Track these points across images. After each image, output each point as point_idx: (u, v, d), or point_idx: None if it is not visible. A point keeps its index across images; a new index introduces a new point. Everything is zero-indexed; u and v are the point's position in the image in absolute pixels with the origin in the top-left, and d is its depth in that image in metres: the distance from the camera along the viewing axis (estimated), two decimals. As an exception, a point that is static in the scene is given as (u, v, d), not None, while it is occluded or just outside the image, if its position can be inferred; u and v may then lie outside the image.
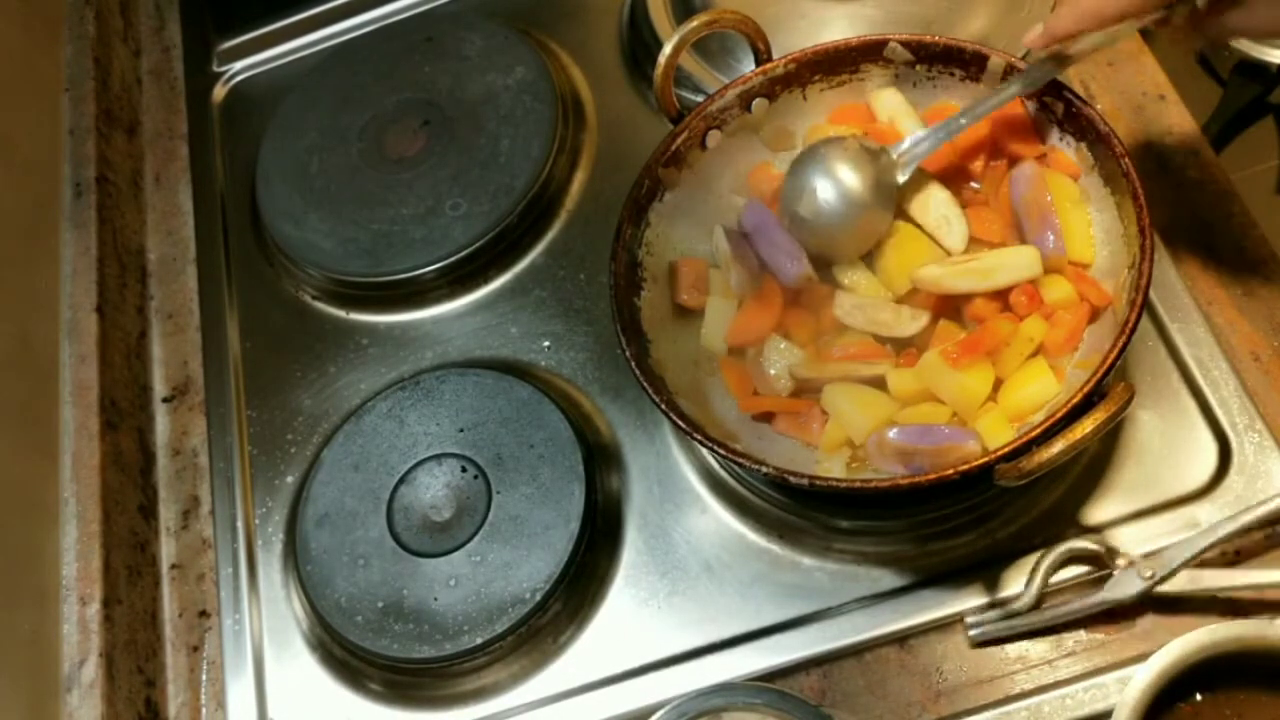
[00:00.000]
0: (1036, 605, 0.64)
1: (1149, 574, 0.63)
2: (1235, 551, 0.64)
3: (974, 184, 0.72)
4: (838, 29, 0.83)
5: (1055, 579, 0.65)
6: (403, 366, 0.84)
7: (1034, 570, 0.64)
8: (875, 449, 0.66)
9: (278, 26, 1.04)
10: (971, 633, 0.64)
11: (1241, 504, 0.65)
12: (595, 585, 0.72)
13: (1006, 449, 0.58)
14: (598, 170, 0.89)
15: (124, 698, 0.75)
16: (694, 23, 0.72)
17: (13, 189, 0.90)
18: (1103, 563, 0.64)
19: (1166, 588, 0.63)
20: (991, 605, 0.65)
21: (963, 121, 0.69)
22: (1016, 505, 0.68)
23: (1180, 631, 0.56)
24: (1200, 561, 0.63)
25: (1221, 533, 0.63)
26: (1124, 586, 0.63)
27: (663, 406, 0.65)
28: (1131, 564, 0.63)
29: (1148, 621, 0.64)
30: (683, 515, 0.73)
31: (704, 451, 0.74)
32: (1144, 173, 0.63)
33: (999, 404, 0.65)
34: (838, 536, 0.70)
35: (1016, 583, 0.66)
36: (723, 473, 0.73)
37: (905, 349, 0.68)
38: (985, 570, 0.65)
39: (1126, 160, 0.64)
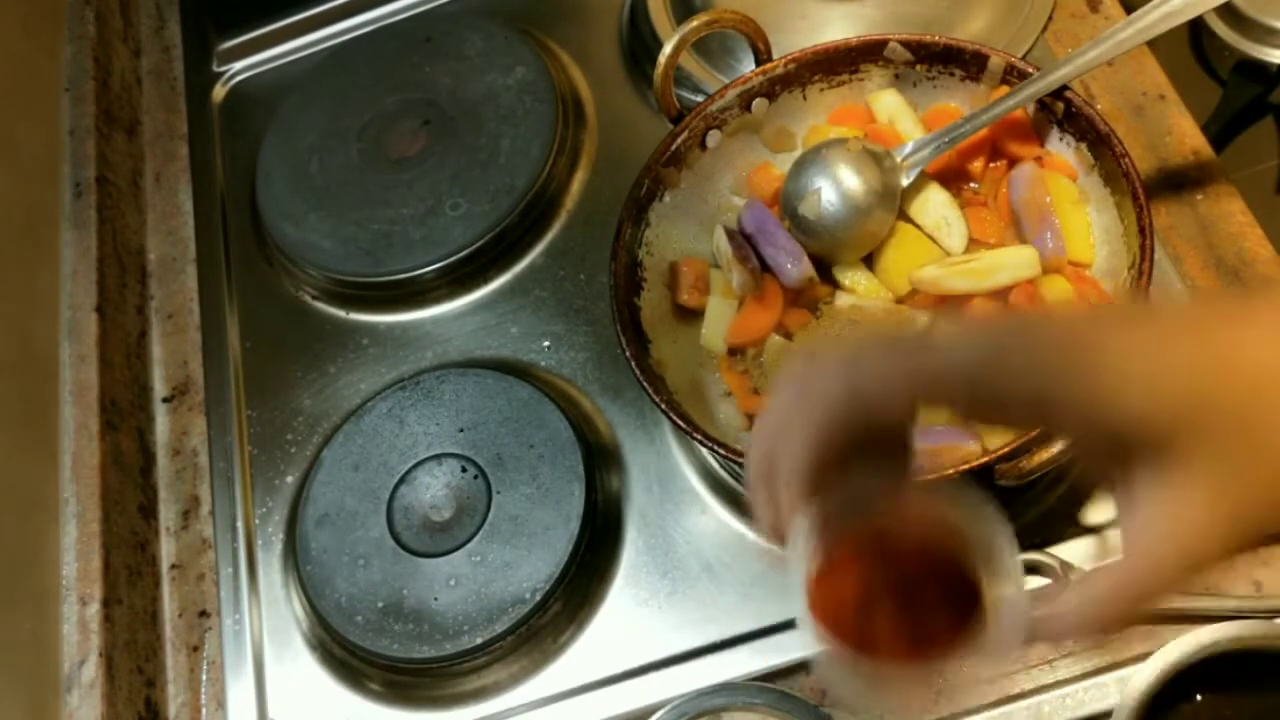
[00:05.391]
0: None
1: None
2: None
3: (973, 185, 0.72)
4: (838, 29, 0.83)
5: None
6: (403, 366, 0.84)
7: None
8: (875, 449, 0.66)
9: (278, 26, 1.04)
10: None
11: (1241, 504, 0.65)
12: (595, 585, 0.72)
13: (1006, 449, 0.58)
14: (598, 170, 0.89)
15: (124, 698, 0.75)
16: (694, 23, 0.72)
17: (13, 189, 0.90)
18: (1057, 575, 0.64)
19: None
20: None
21: (967, 128, 0.69)
22: (1016, 505, 0.68)
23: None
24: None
25: None
26: None
27: (663, 406, 0.65)
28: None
29: (1141, 626, 0.63)
30: (683, 515, 0.73)
31: (704, 451, 0.74)
32: (1144, 173, 0.63)
33: (999, 404, 0.65)
34: (838, 536, 0.70)
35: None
36: (723, 473, 0.73)
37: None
38: (985, 570, 0.65)
39: (1127, 160, 0.64)
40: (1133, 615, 0.39)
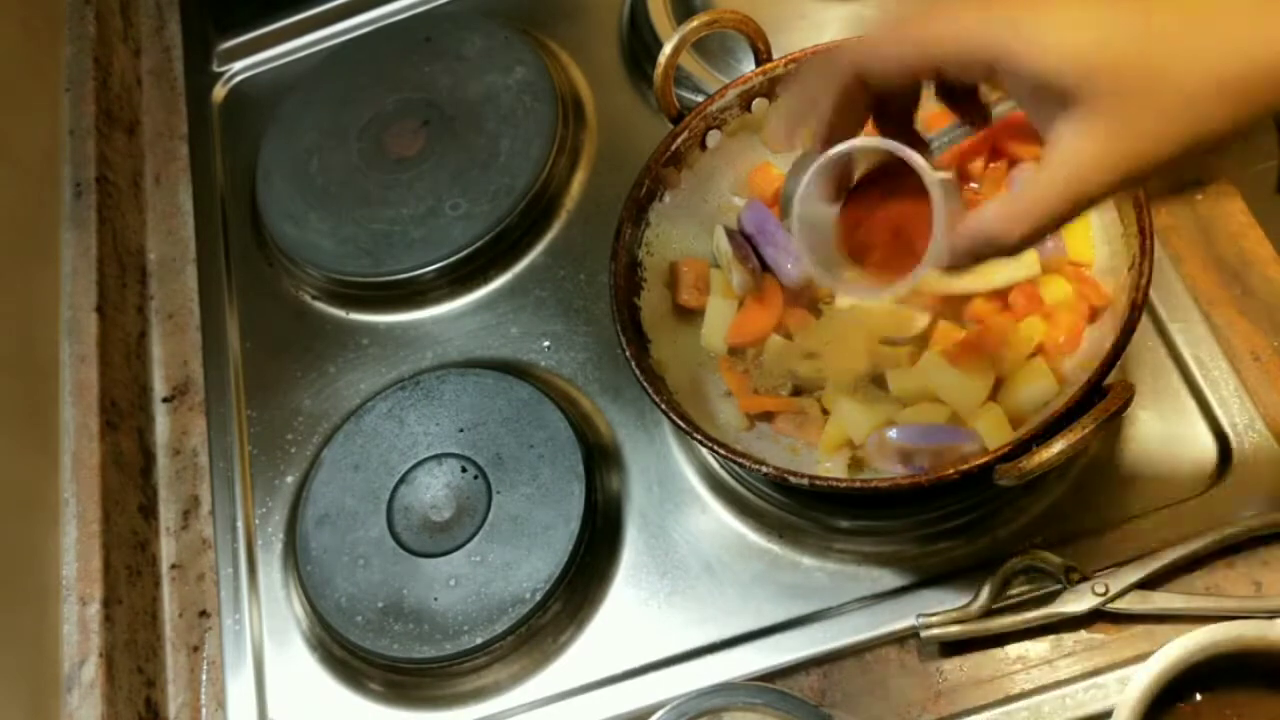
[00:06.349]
0: (990, 613, 0.64)
1: (1101, 591, 0.63)
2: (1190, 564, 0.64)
3: (974, 185, 0.72)
4: (838, 29, 0.83)
5: (1020, 588, 0.65)
6: (403, 366, 0.84)
7: (989, 579, 0.64)
8: (875, 449, 0.66)
9: (278, 26, 1.05)
10: (922, 634, 0.64)
11: (1241, 504, 0.65)
12: (595, 585, 0.72)
13: (1006, 449, 0.58)
14: (598, 170, 0.89)
15: (124, 698, 0.75)
16: (694, 23, 0.72)
17: (13, 189, 0.90)
18: (1057, 577, 0.64)
19: (1117, 606, 0.63)
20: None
21: (969, 129, 0.69)
22: (1016, 505, 0.68)
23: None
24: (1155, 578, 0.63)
25: (1174, 555, 0.63)
26: (1076, 602, 0.63)
27: (663, 406, 0.65)
28: (1085, 579, 0.63)
29: (1141, 626, 0.64)
30: (683, 515, 0.73)
31: (704, 451, 0.74)
32: (1144, 173, 0.63)
33: (999, 404, 0.65)
34: (838, 536, 0.70)
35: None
36: (723, 473, 0.73)
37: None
38: (985, 570, 0.65)
39: (1126, 160, 0.64)
40: (1030, 229, 0.47)
